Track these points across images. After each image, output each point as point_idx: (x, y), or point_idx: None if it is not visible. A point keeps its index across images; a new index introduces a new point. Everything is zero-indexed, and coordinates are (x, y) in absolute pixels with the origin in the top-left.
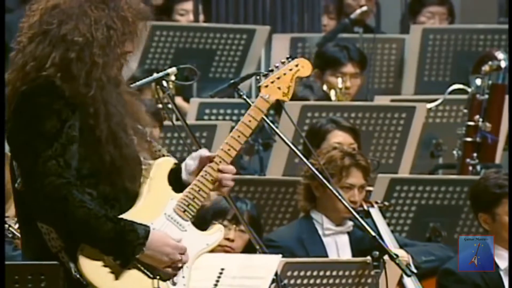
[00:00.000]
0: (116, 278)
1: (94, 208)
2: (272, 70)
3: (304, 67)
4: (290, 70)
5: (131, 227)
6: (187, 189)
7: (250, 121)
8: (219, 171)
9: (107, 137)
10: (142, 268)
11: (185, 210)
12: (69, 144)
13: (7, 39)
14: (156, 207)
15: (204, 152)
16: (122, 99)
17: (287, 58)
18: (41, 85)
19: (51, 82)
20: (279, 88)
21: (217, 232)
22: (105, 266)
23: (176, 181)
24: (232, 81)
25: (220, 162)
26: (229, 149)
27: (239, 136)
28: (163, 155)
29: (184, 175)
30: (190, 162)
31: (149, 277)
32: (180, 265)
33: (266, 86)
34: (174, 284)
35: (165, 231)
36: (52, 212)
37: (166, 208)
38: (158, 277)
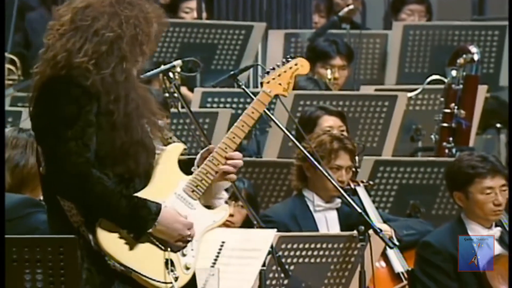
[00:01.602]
0: (131, 249)
1: (111, 185)
2: (273, 68)
3: (303, 66)
4: (290, 68)
5: (144, 204)
6: (196, 172)
7: (253, 112)
8: (226, 158)
9: (121, 122)
10: (155, 241)
11: (193, 190)
12: (86, 127)
13: (29, 35)
14: (167, 187)
15: (211, 146)
16: (139, 91)
17: (287, 58)
18: (62, 75)
19: (71, 73)
20: (280, 84)
21: (223, 211)
22: (120, 238)
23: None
24: (232, 72)
25: (226, 148)
26: (234, 137)
27: (243, 126)
28: (174, 142)
29: (194, 168)
30: (198, 156)
31: (160, 249)
32: (188, 239)
33: (268, 82)
34: (184, 255)
35: (175, 208)
36: (72, 189)
37: (176, 188)
38: (169, 249)
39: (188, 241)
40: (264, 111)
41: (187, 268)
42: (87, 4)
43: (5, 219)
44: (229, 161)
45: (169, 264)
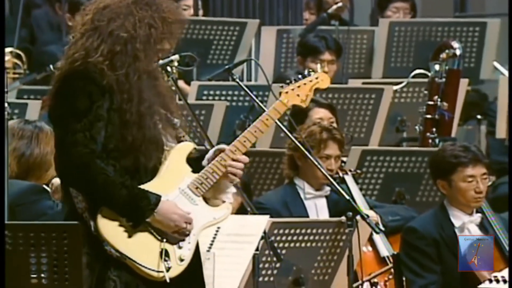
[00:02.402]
0: (128, 237)
1: (113, 176)
2: (295, 80)
3: (324, 80)
4: (311, 81)
5: (144, 195)
6: (203, 170)
7: (267, 119)
8: (233, 160)
9: (134, 120)
10: (152, 231)
11: (197, 187)
12: (96, 121)
13: (35, 32)
14: (172, 183)
15: (223, 146)
16: (155, 90)
17: (310, 71)
18: (79, 70)
19: (88, 69)
20: (298, 95)
21: (224, 209)
22: (119, 226)
23: (198, 167)
24: (226, 66)
25: (235, 151)
26: (245, 141)
27: (255, 131)
28: (185, 140)
29: (204, 162)
30: (210, 152)
31: (157, 239)
32: (186, 232)
33: (287, 92)
34: (179, 247)
35: (176, 202)
36: (76, 177)
37: (181, 184)
38: (165, 240)
39: (186, 235)
40: (258, 104)
41: (181, 260)
42: (106, 5)
43: (14, 204)
44: (235, 163)
45: (163, 254)
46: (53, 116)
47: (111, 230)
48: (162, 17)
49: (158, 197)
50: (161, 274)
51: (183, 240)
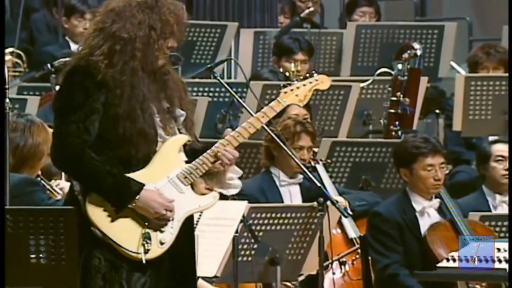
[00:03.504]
0: (112, 220)
1: (101, 164)
2: (294, 81)
3: (324, 82)
4: (310, 83)
5: (128, 183)
6: (194, 161)
7: (262, 116)
8: (224, 151)
9: (126, 113)
10: (136, 216)
11: (186, 177)
12: (90, 114)
13: (34, 34)
14: (162, 172)
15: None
16: (156, 85)
17: (310, 74)
18: (80, 66)
19: (89, 66)
20: (296, 95)
21: (210, 198)
22: (105, 210)
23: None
24: (208, 65)
25: (227, 144)
26: (238, 136)
27: (249, 127)
28: (181, 133)
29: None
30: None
31: (140, 223)
32: (166, 218)
33: (286, 92)
34: (161, 232)
35: (163, 190)
36: (68, 164)
37: (170, 174)
38: (147, 224)
39: (167, 221)
40: (238, 100)
41: (162, 243)
42: (112, 8)
43: (10, 196)
44: (225, 153)
45: (144, 237)
46: (54, 107)
47: (97, 213)
48: (162, 19)
49: (140, 186)
50: (139, 256)
51: (165, 225)
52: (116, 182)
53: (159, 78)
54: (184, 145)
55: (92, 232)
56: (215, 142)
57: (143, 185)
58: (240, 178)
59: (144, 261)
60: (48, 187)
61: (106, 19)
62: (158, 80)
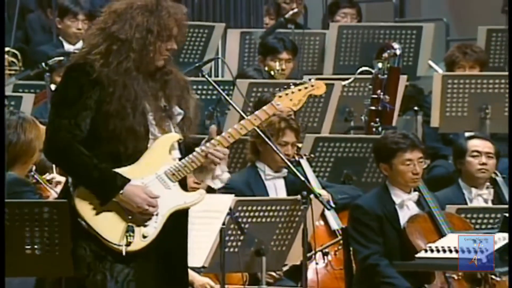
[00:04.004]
0: (97, 213)
1: (89, 159)
2: (290, 86)
3: (319, 88)
4: (306, 88)
5: (113, 177)
6: (183, 159)
7: (255, 119)
8: (214, 150)
9: (116, 111)
10: (121, 210)
11: (173, 174)
12: (82, 110)
13: (29, 34)
14: (151, 168)
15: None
16: (151, 84)
17: (310, 78)
18: (77, 64)
19: (85, 64)
20: (291, 100)
21: (196, 195)
22: (91, 203)
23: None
24: (197, 64)
25: (218, 144)
26: (229, 136)
27: (241, 129)
28: (173, 131)
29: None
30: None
31: (125, 217)
32: (149, 213)
33: (280, 97)
34: (145, 226)
35: (149, 185)
36: (57, 157)
37: (158, 170)
38: (130, 217)
39: (150, 215)
40: (224, 98)
41: (144, 237)
42: (115, 9)
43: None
44: (216, 152)
45: (127, 230)
46: (51, 102)
47: (84, 206)
48: (161, 23)
49: (125, 180)
50: (120, 247)
51: (148, 220)
52: (102, 176)
53: (160, 77)
54: (179, 143)
55: (79, 223)
56: (203, 138)
57: (128, 180)
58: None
59: (124, 253)
60: (41, 181)
61: (108, 19)
62: (158, 80)
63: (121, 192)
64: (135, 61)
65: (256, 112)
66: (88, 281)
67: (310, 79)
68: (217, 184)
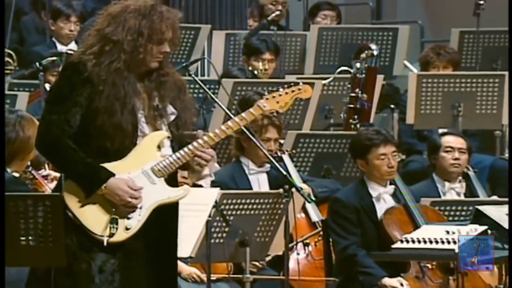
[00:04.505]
0: (85, 205)
1: (76, 153)
2: (277, 89)
3: (306, 91)
4: (293, 91)
5: (98, 171)
6: (170, 157)
7: (241, 119)
8: (201, 151)
9: (104, 108)
10: (106, 202)
11: (159, 170)
12: (72, 107)
13: (24, 35)
14: (137, 164)
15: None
16: (145, 84)
17: (294, 83)
18: (71, 63)
19: (79, 63)
20: (277, 102)
21: (181, 190)
22: (78, 196)
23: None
24: (184, 64)
25: (204, 143)
26: (215, 136)
27: (227, 129)
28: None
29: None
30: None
31: (109, 209)
32: (131, 205)
33: (267, 99)
34: (128, 218)
35: (135, 179)
36: (47, 151)
37: (145, 166)
38: (114, 210)
39: (133, 207)
40: (210, 96)
41: (127, 229)
42: (110, 12)
43: None
44: (203, 155)
45: (111, 222)
46: (45, 99)
47: (71, 198)
48: (152, 26)
49: (109, 174)
50: (102, 238)
51: (131, 212)
52: (87, 169)
53: (156, 78)
54: (172, 141)
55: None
56: (191, 135)
57: (113, 174)
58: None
59: (105, 243)
60: (37, 177)
61: (104, 21)
62: (154, 80)
63: (104, 185)
64: (125, 61)
65: (243, 114)
66: (73, 269)
67: (299, 81)
68: (207, 183)
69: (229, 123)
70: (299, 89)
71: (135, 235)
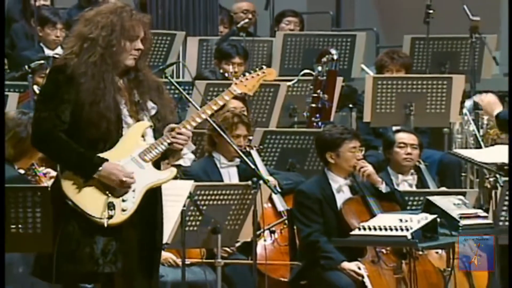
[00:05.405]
0: (82, 192)
1: (68, 144)
2: (244, 75)
3: (271, 74)
4: (258, 75)
5: (91, 158)
6: (153, 142)
7: (215, 104)
8: (178, 133)
9: (88, 99)
10: (102, 188)
11: (146, 155)
12: (60, 104)
13: (14, 40)
14: (125, 152)
15: (173, 126)
16: (125, 80)
17: (260, 68)
18: (57, 66)
19: (63, 65)
20: (245, 85)
21: (168, 172)
22: (74, 184)
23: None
24: (161, 67)
25: (182, 127)
26: (192, 120)
27: (202, 113)
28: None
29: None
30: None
31: (105, 193)
32: (127, 184)
33: (236, 84)
34: (123, 201)
35: (125, 166)
36: (41, 145)
37: (133, 153)
38: (111, 193)
39: (128, 187)
40: (185, 96)
41: (123, 210)
42: (85, 17)
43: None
44: (179, 136)
45: (108, 205)
46: (35, 100)
47: (69, 187)
48: (122, 23)
49: (103, 159)
50: (102, 220)
51: (126, 192)
52: (81, 158)
53: (135, 78)
54: (154, 130)
55: (67, 204)
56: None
57: (106, 159)
58: (193, 152)
59: (106, 225)
60: (39, 174)
61: (83, 23)
62: (133, 80)
63: (100, 169)
64: (102, 55)
65: (216, 98)
66: (76, 254)
67: (264, 66)
68: (186, 162)
69: (205, 107)
70: (264, 73)
71: (130, 216)
